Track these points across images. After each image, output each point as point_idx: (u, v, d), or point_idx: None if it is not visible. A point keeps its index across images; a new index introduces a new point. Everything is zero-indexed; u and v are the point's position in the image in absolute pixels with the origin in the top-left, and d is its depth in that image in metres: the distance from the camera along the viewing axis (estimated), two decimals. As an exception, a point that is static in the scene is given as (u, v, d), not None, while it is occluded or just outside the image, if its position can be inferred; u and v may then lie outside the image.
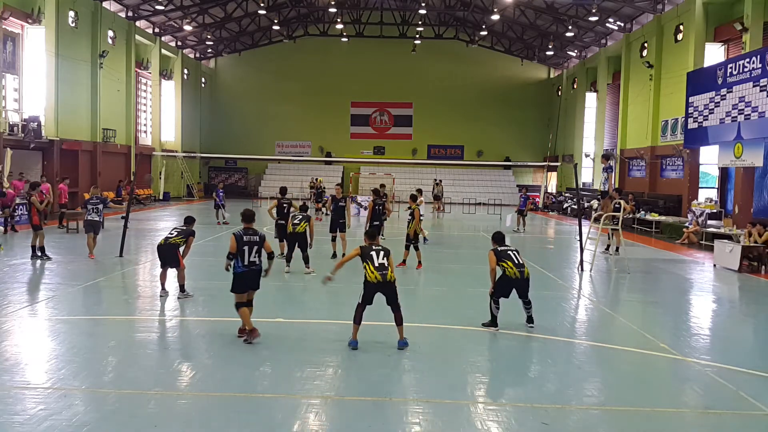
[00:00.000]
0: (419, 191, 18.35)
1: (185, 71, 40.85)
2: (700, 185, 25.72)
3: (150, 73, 36.68)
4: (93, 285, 11.05)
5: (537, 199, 38.73)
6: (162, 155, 35.31)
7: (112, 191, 26.62)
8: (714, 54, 24.57)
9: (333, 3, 35.51)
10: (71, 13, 27.12)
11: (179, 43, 39.47)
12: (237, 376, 6.47)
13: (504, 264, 8.27)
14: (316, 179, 30.58)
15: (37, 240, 13.40)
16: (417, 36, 42.57)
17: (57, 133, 25.82)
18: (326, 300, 10.68)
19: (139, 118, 36.08)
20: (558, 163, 40.94)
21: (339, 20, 40.02)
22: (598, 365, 7.40)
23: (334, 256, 14.32)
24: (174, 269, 10.04)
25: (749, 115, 18.77)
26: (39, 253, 13.39)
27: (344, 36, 42.53)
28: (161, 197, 35.75)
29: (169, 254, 9.86)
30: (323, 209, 27.00)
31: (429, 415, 5.61)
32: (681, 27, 26.38)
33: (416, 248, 13.51)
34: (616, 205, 15.21)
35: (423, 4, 36.40)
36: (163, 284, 10.13)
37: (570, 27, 34.08)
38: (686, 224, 21.18)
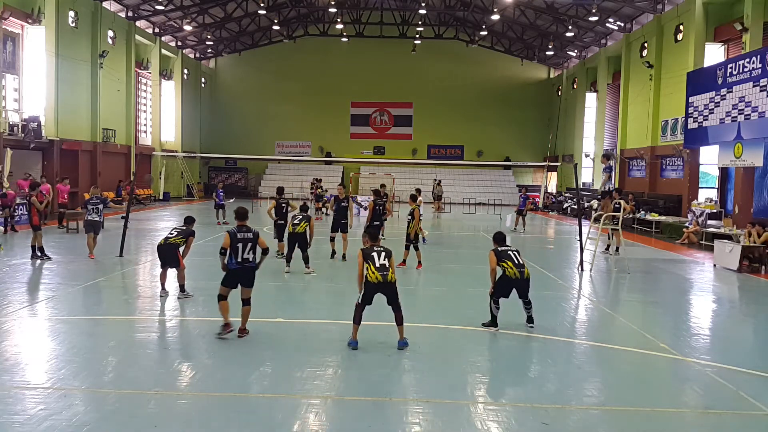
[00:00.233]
0: (418, 191, 18.36)
1: (185, 71, 40.85)
2: (700, 185, 25.72)
3: (150, 73, 36.68)
4: (93, 285, 11.05)
5: (537, 200, 38.75)
6: (162, 155, 35.31)
7: (112, 191, 26.62)
8: (714, 54, 24.56)
9: (333, 3, 35.51)
10: (71, 13, 27.12)
11: (179, 43, 39.48)
12: (237, 376, 6.47)
13: (504, 264, 8.27)
14: (319, 183, 30.36)
15: (36, 240, 13.40)
16: (417, 36, 42.57)
17: (57, 133, 25.82)
18: (326, 300, 10.68)
19: (139, 118, 36.08)
20: (558, 163, 40.94)
21: (339, 20, 40.02)
22: (598, 365, 7.40)
23: (333, 255, 14.30)
24: (174, 269, 10.05)
25: (749, 115, 18.77)
26: (39, 254, 13.39)
27: (344, 36, 42.53)
28: (161, 197, 35.76)
29: (169, 254, 9.86)
30: (323, 209, 27.00)
31: (429, 415, 5.61)
32: (681, 27, 26.38)
33: (416, 248, 13.51)
34: (616, 205, 15.21)
35: (423, 4, 36.40)
36: (163, 284, 10.13)
37: (570, 27, 34.08)
38: (686, 224, 21.18)
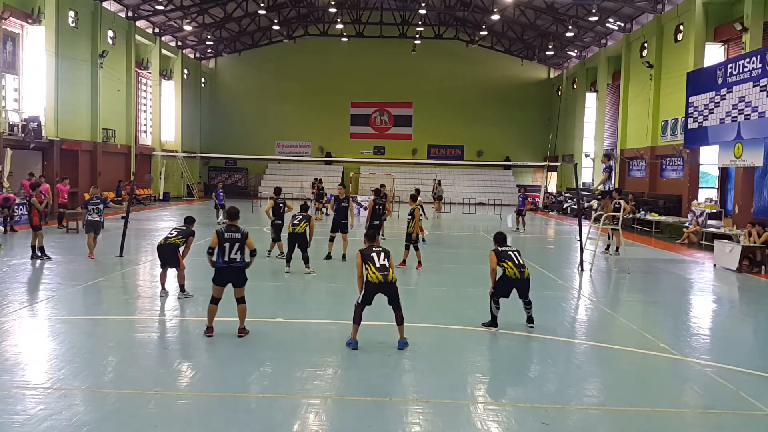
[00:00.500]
0: (418, 191, 18.36)
1: (185, 71, 40.85)
2: (700, 185, 25.72)
3: (150, 73, 36.68)
4: (93, 285, 11.05)
5: (537, 199, 38.75)
6: (162, 155, 35.31)
7: (112, 191, 26.62)
8: (714, 54, 24.56)
9: (333, 3, 35.51)
10: (71, 13, 27.12)
11: (179, 43, 39.47)
12: (237, 376, 6.47)
13: (504, 264, 8.27)
14: (320, 183, 30.29)
15: (36, 240, 13.40)
16: (417, 36, 42.57)
17: (57, 133, 25.82)
18: (326, 300, 10.68)
19: (139, 118, 36.07)
20: (558, 163, 40.93)
21: (339, 20, 40.01)
22: (598, 365, 7.40)
23: (329, 257, 14.23)
24: (174, 269, 10.05)
25: (749, 115, 18.77)
26: (39, 254, 13.39)
27: (344, 36, 42.53)
28: (161, 197, 35.75)
29: (169, 254, 9.86)
30: (324, 209, 26.97)
31: (429, 415, 5.61)
32: (681, 27, 26.38)
33: (416, 248, 13.52)
34: (616, 205, 15.21)
35: (423, 4, 36.39)
36: (163, 284, 10.13)
37: (570, 27, 34.07)
38: (686, 224, 21.18)
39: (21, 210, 19.21)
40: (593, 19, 31.52)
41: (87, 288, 10.76)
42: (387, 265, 7.49)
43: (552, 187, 43.84)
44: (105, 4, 29.69)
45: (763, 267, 14.62)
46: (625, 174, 31.83)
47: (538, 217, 32.03)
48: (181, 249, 9.95)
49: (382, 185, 18.80)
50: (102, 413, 5.45)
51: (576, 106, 39.99)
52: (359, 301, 7.47)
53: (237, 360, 6.99)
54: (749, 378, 6.87)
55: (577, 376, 6.85)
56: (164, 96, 38.13)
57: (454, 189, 41.70)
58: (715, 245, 15.61)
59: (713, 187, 25.50)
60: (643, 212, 24.62)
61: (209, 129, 45.19)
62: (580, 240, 14.26)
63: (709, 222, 20.91)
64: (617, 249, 15.92)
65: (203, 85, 45.12)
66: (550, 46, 39.15)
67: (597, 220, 15.09)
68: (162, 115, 37.87)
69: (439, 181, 34.18)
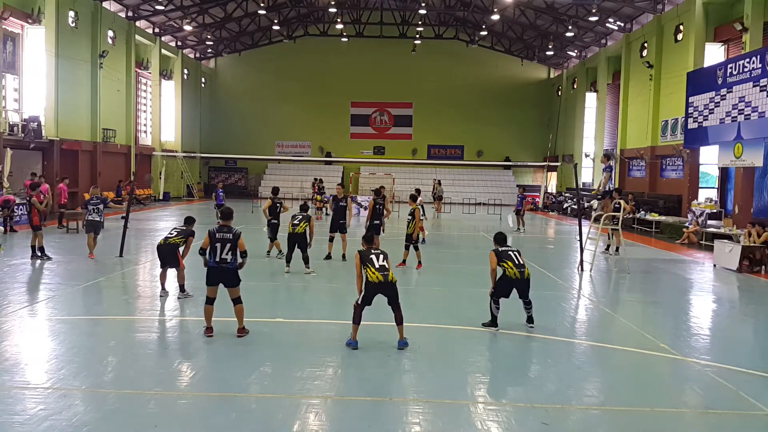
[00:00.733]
0: (418, 191, 18.36)
1: (185, 71, 40.84)
2: (700, 185, 25.72)
3: (150, 73, 36.67)
4: (93, 285, 11.05)
5: (537, 199, 38.75)
6: (162, 155, 35.31)
7: (112, 191, 26.61)
8: (714, 54, 24.56)
9: (333, 3, 35.51)
10: (71, 13, 27.11)
11: (179, 43, 39.47)
12: (237, 376, 6.47)
13: (504, 264, 8.27)
14: (320, 183, 30.28)
15: (36, 240, 13.40)
16: (417, 36, 42.57)
17: (57, 133, 25.81)
18: (326, 300, 10.68)
19: (139, 118, 36.07)
20: (558, 163, 40.94)
21: (339, 20, 40.01)
22: (598, 365, 7.40)
23: (328, 257, 14.24)
24: (174, 269, 10.05)
25: (749, 115, 18.77)
26: (39, 254, 13.39)
27: (344, 36, 42.52)
28: (161, 197, 35.75)
29: (169, 254, 9.86)
30: (324, 209, 26.98)
31: (429, 415, 5.61)
32: (681, 27, 26.38)
33: (416, 248, 13.51)
34: (616, 205, 15.21)
35: (423, 4, 36.40)
36: (163, 284, 10.13)
37: (570, 27, 34.06)
38: (686, 224, 21.18)
39: (21, 210, 19.21)
40: (593, 19, 31.52)
41: (87, 288, 10.76)
42: (386, 266, 7.50)
43: (552, 187, 43.84)
44: (105, 4, 29.69)
45: (763, 267, 14.62)
46: (625, 174, 31.83)
47: (538, 217, 32.04)
48: (181, 249, 9.95)
49: (382, 187, 18.81)
50: (102, 413, 5.45)
51: (576, 106, 39.98)
52: (359, 302, 7.47)
53: (237, 360, 6.99)
54: (749, 378, 6.87)
55: (577, 376, 6.85)
56: (164, 96, 38.13)
57: (454, 189, 41.70)
58: (715, 245, 15.61)
59: (713, 187, 25.49)
60: (643, 212, 24.62)
61: (209, 129, 45.19)
62: (580, 240, 14.26)
63: (709, 222, 20.90)
64: (617, 249, 15.90)
65: (203, 85, 45.12)
66: (550, 46, 39.15)
67: (597, 220, 15.08)
68: (162, 115, 37.87)
69: (439, 181, 34.15)
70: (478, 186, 43.79)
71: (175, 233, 10.03)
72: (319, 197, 26.97)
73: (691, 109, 22.49)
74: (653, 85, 28.33)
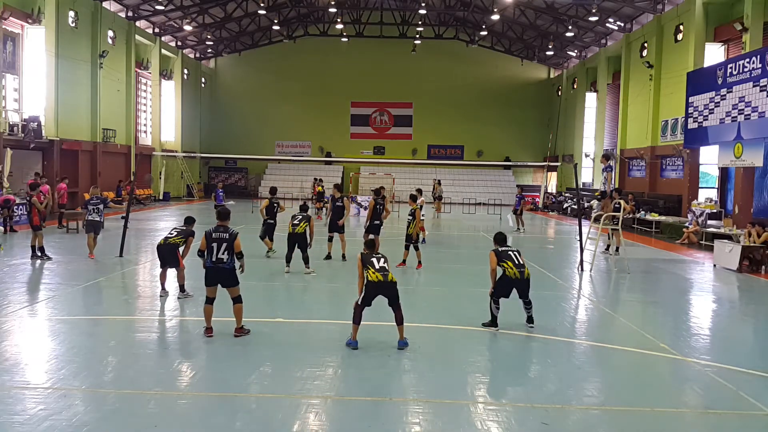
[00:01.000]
0: (419, 191, 18.36)
1: (185, 71, 40.84)
2: (700, 185, 25.72)
3: (150, 73, 36.67)
4: (93, 285, 11.05)
5: (537, 199, 38.75)
6: (162, 155, 35.31)
7: (112, 191, 26.61)
8: (714, 54, 24.56)
9: (333, 3, 35.50)
10: (71, 13, 27.11)
11: (179, 43, 39.47)
12: (237, 376, 6.47)
13: (504, 264, 8.27)
14: (320, 183, 30.24)
15: (37, 240, 13.40)
16: (417, 36, 42.56)
17: (57, 133, 25.81)
18: (326, 300, 10.68)
19: (139, 118, 36.07)
20: (558, 163, 40.93)
21: (339, 20, 40.01)
22: (598, 365, 7.40)
23: (328, 257, 14.24)
24: (174, 269, 10.05)
25: (749, 115, 18.77)
26: (39, 254, 13.39)
27: (344, 36, 42.52)
28: (161, 197, 35.75)
29: (169, 254, 9.86)
30: (324, 209, 26.95)
31: (429, 415, 5.61)
32: (681, 27, 26.38)
33: (416, 248, 13.51)
34: (616, 205, 15.21)
35: (423, 4, 36.39)
36: (163, 284, 10.13)
37: (570, 27, 34.06)
38: (686, 224, 21.18)
39: (21, 210, 19.21)
40: (593, 19, 31.52)
41: (87, 288, 10.76)
42: (386, 267, 7.53)
43: (552, 187, 43.84)
44: (105, 4, 29.69)
45: (763, 267, 14.62)
46: (625, 174, 31.83)
47: (538, 217, 32.04)
48: (181, 249, 9.95)
49: (382, 187, 18.82)
50: (102, 413, 5.45)
51: (576, 106, 39.98)
52: (359, 302, 7.47)
53: (237, 360, 6.99)
54: (749, 378, 6.87)
55: (577, 376, 6.85)
56: (164, 96, 38.13)
57: (454, 189, 41.70)
58: (715, 245, 15.61)
59: (713, 187, 25.49)
60: (643, 212, 24.62)
61: (209, 129, 45.19)
62: (580, 240, 14.26)
63: (709, 222, 20.90)
64: (617, 249, 15.90)
65: (203, 85, 45.12)
66: (550, 46, 39.14)
67: (597, 220, 15.09)
68: (162, 115, 37.86)
69: (439, 181, 34.15)
70: (478, 186, 43.78)
71: (175, 233, 10.03)
72: (319, 204, 26.92)
73: (691, 109, 22.49)
74: (653, 85, 28.33)
